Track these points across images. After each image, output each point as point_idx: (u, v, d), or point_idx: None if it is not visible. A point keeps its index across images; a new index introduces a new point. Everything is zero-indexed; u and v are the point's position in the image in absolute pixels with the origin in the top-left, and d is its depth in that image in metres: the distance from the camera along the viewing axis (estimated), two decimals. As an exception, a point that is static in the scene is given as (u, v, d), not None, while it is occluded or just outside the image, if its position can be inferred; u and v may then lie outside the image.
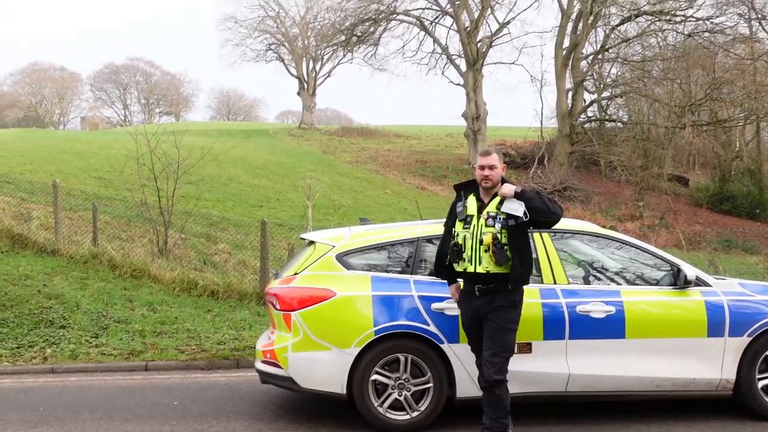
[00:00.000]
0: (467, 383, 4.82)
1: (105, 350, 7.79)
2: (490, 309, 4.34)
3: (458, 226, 4.45)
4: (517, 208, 4.26)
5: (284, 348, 4.92)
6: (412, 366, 4.85)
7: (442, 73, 35.13)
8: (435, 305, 4.83)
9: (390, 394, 4.85)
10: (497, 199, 4.41)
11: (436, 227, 5.11)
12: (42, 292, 9.33)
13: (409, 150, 36.72)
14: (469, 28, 31.88)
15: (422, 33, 34.01)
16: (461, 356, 4.80)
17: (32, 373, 7.16)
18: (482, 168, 4.44)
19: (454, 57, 33.18)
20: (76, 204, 14.23)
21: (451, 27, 33.05)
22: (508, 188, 4.37)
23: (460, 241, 4.39)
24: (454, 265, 4.45)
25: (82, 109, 68.91)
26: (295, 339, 4.89)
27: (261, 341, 5.44)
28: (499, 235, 4.29)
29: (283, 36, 46.17)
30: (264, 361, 5.09)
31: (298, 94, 45.88)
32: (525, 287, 4.97)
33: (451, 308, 4.80)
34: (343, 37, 35.38)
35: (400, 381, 4.85)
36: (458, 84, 32.93)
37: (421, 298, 4.86)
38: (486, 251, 4.30)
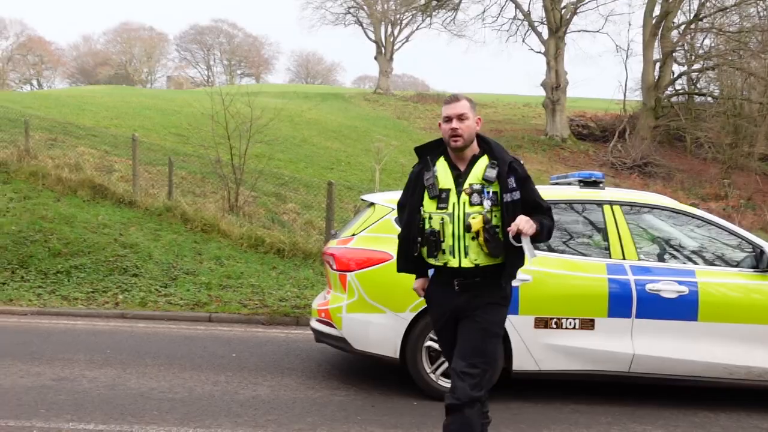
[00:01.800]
0: (524, 356, 4.67)
1: (172, 300, 8.06)
2: (474, 306, 3.23)
3: (429, 206, 3.24)
4: (530, 251, 3.07)
5: (339, 308, 4.89)
6: (468, 335, 4.72)
7: (523, 41, 33.94)
8: (494, 274, 4.67)
9: (443, 362, 4.76)
10: (480, 166, 3.23)
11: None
12: (118, 241, 9.71)
13: (484, 118, 35.80)
14: (553, -7, 30.66)
15: (504, -2, 32.94)
16: (519, 329, 4.65)
17: (104, 317, 7.49)
18: (448, 119, 3.24)
19: (536, 23, 32.04)
20: (155, 158, 14.69)
21: (535, -8, 31.88)
22: (526, 223, 3.02)
23: (437, 227, 3.20)
24: (430, 259, 3.29)
25: (169, 68, 70.92)
26: (349, 300, 4.85)
27: (317, 300, 5.44)
28: (489, 216, 3.15)
29: (362, -1, 45.84)
30: (319, 320, 5.09)
31: (375, 58, 45.56)
32: (590, 261, 4.77)
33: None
34: (422, 1, 34.78)
35: (454, 349, 4.74)
36: (539, 52, 31.82)
37: (481, 266, 4.70)
38: (474, 239, 3.15)
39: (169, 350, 6.04)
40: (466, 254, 3.17)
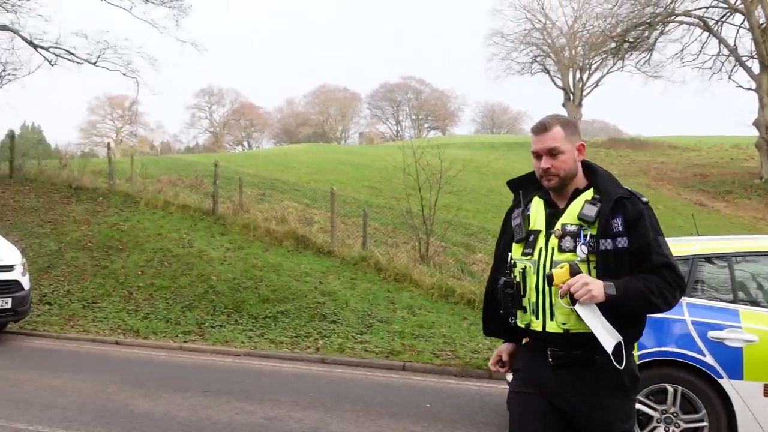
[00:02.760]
0: (751, 427, 4.14)
1: (368, 347, 8.33)
2: (580, 401, 2.41)
3: (516, 251, 2.54)
4: (607, 337, 2.30)
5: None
6: (683, 400, 4.31)
7: (729, 78, 31.29)
8: (712, 333, 4.24)
9: (655, 428, 4.37)
10: (580, 201, 2.47)
11: (717, 245, 4.48)
12: (318, 289, 10.31)
13: (686, 162, 33.52)
14: (764, 25, 28.09)
15: (705, 34, 30.79)
16: (744, 395, 4.14)
17: (306, 360, 7.92)
18: (537, 156, 2.50)
19: (744, 58, 29.50)
20: (350, 210, 15.55)
21: (741, 25, 29.42)
22: (582, 286, 2.28)
23: (518, 278, 2.49)
24: (508, 318, 2.54)
25: (361, 125, 75.54)
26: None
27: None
28: (582, 267, 2.36)
29: (549, 47, 45.48)
30: (515, 375, 4.94)
31: (563, 105, 44.71)
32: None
33: (734, 339, 4.17)
34: (613, 44, 33.60)
35: (667, 414, 4.34)
36: (749, 89, 29.16)
37: (696, 323, 4.30)
38: (562, 296, 2.35)
39: (366, 397, 6.22)
40: (552, 315, 2.42)
